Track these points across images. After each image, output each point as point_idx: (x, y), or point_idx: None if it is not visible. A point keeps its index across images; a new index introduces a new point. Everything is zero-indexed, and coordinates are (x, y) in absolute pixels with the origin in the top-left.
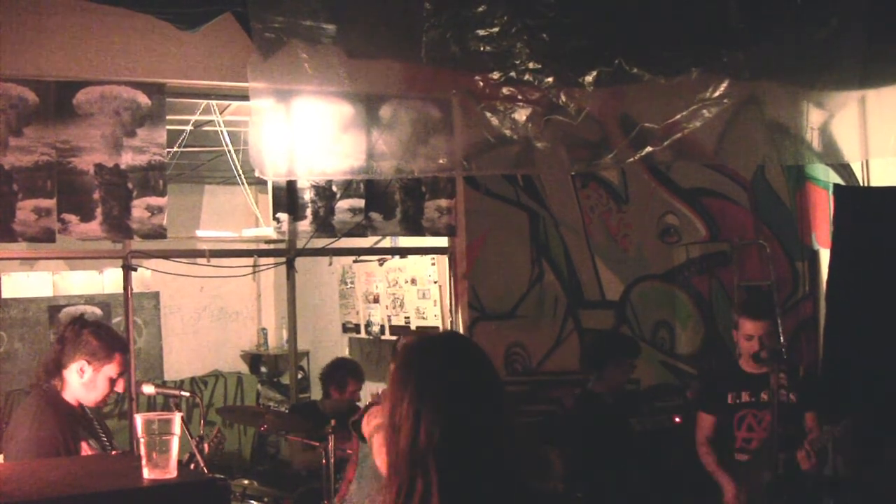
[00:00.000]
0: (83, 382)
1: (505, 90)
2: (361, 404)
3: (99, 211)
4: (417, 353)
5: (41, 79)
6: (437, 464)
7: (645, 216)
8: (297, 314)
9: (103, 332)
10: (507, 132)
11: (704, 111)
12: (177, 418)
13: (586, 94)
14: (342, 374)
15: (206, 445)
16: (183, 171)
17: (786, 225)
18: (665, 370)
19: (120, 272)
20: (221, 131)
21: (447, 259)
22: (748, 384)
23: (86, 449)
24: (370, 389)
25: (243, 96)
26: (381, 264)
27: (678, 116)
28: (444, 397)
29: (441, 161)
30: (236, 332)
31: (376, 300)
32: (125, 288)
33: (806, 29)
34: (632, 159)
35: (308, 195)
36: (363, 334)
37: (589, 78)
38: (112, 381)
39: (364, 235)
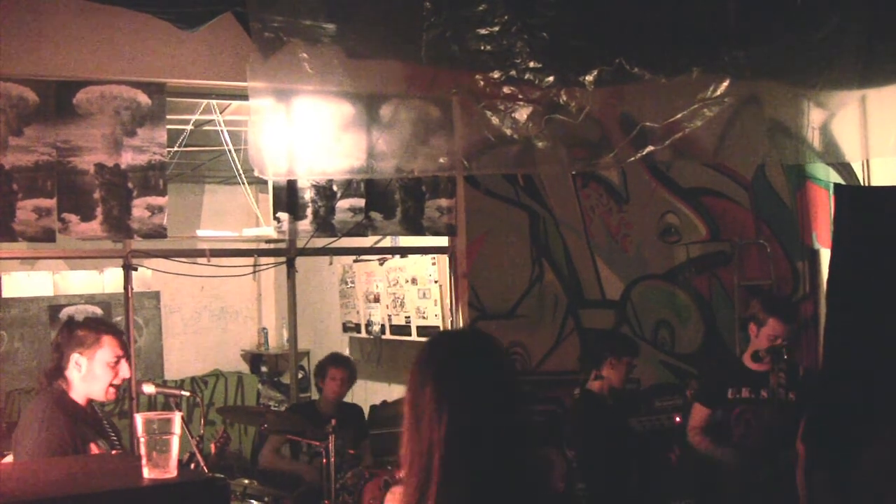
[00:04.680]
0: (83, 376)
1: (505, 89)
2: (362, 400)
3: (99, 210)
4: (438, 345)
5: (41, 78)
6: (462, 450)
7: (645, 216)
8: (297, 314)
9: (90, 321)
10: (508, 131)
11: (705, 110)
12: (177, 418)
13: (587, 94)
14: (323, 366)
15: (212, 446)
16: (183, 170)
17: (786, 224)
18: (665, 370)
19: (120, 272)
20: (222, 131)
21: (447, 258)
22: (749, 380)
23: (94, 450)
24: (369, 388)
25: (243, 96)
26: (381, 264)
27: (679, 116)
28: (465, 386)
29: (441, 160)
30: (237, 332)
31: (377, 300)
32: (125, 287)
33: (806, 28)
34: (632, 159)
35: (308, 195)
36: (364, 334)
37: (589, 77)
38: (111, 367)
39: (364, 235)
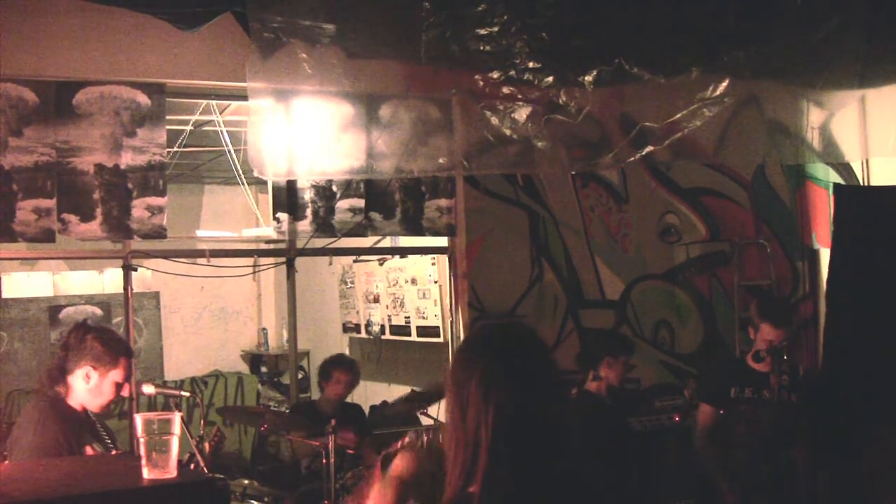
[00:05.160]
0: (89, 388)
1: (505, 89)
2: (362, 401)
3: (99, 211)
4: (482, 338)
5: (41, 79)
6: (508, 440)
7: (645, 216)
8: (297, 314)
9: (108, 337)
10: (507, 132)
11: (704, 110)
12: (177, 418)
13: (586, 94)
14: (327, 367)
15: (206, 445)
16: (183, 171)
17: (786, 224)
18: (665, 370)
19: (120, 272)
20: (221, 131)
21: (447, 259)
22: (752, 380)
23: (90, 453)
24: (369, 389)
25: (243, 96)
26: (381, 264)
27: (678, 116)
28: (510, 377)
29: (441, 161)
30: (236, 332)
31: (376, 300)
32: (125, 288)
33: (806, 28)
34: (632, 159)
35: (308, 195)
36: (363, 334)
37: (589, 77)
38: (118, 386)
39: (364, 235)
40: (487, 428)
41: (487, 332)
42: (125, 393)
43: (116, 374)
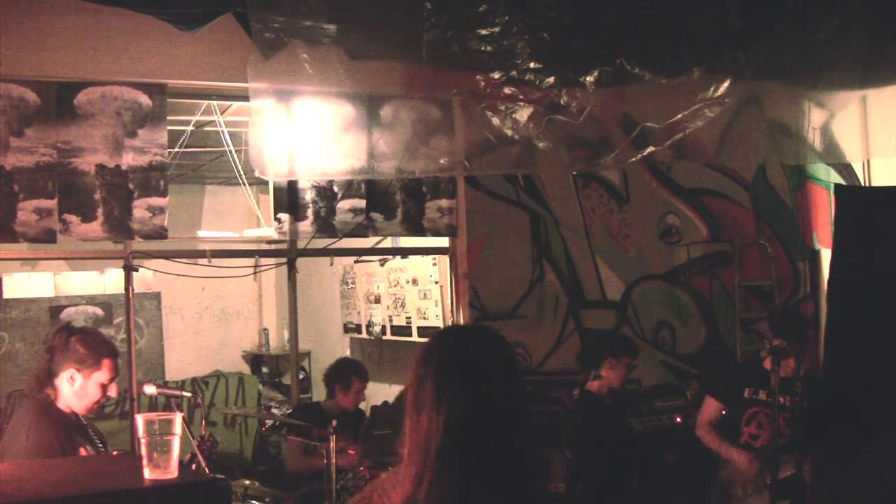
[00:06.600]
0: (74, 391)
1: (506, 90)
2: (366, 405)
3: (100, 211)
4: (441, 339)
5: (42, 79)
6: (457, 440)
7: (646, 216)
8: (298, 314)
9: (90, 338)
10: (509, 132)
11: (706, 111)
12: (178, 418)
13: (587, 94)
14: (347, 373)
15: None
16: (184, 171)
17: (787, 225)
18: (666, 370)
19: (121, 273)
20: (222, 132)
21: (448, 259)
22: (768, 384)
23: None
24: (370, 389)
25: (244, 97)
26: (382, 264)
27: (679, 116)
28: (463, 377)
29: (442, 161)
30: (237, 333)
31: (377, 300)
32: (126, 288)
33: (807, 28)
34: (633, 159)
35: (309, 195)
36: (364, 334)
37: (590, 78)
38: (103, 387)
39: (365, 236)
40: (438, 429)
41: (445, 336)
42: (112, 393)
43: (100, 376)
